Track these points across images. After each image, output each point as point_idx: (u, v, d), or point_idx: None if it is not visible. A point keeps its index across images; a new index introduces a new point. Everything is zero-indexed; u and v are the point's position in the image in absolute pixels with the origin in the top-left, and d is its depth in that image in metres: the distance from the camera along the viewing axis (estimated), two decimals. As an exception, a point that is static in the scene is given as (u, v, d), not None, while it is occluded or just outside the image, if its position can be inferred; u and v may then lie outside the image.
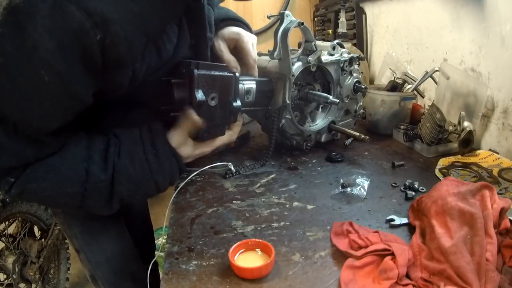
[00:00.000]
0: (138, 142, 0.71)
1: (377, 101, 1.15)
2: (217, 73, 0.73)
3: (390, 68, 1.37)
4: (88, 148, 0.67)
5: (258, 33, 2.61)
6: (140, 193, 0.73)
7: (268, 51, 0.93)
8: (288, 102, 0.92)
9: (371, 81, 1.66)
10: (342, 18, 1.58)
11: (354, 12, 1.70)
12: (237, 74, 0.79)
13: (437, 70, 1.13)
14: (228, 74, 0.76)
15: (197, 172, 0.87)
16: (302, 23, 0.90)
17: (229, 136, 0.83)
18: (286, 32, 0.88)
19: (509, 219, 0.60)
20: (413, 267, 0.55)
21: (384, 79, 1.50)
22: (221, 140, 0.82)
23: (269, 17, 1.02)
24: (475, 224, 0.55)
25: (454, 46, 1.16)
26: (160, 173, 0.72)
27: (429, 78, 1.16)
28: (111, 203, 0.70)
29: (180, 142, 0.75)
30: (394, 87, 1.20)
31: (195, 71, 0.69)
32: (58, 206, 0.89)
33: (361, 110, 1.11)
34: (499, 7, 0.95)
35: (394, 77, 1.26)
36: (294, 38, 1.09)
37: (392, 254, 0.56)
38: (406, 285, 0.52)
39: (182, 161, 0.76)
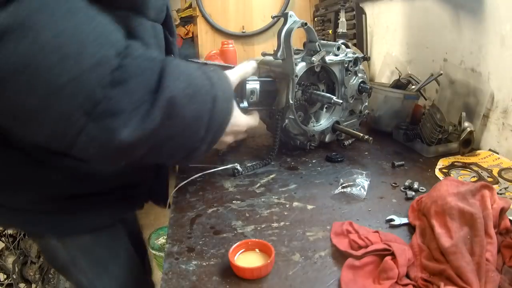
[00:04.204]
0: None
1: (381, 97, 1.15)
2: None
3: (396, 68, 1.36)
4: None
5: (258, 33, 2.61)
6: (194, 105, 0.55)
7: (274, 51, 0.93)
8: (291, 102, 0.92)
9: (371, 81, 1.66)
10: (342, 18, 1.57)
11: (354, 12, 1.70)
12: None
13: (441, 74, 1.12)
14: None
15: (202, 174, 0.87)
16: (306, 23, 0.90)
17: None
18: (289, 32, 0.89)
19: (509, 219, 0.60)
20: (413, 267, 0.55)
21: (384, 79, 1.50)
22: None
23: (273, 17, 1.03)
24: (475, 224, 0.55)
25: (454, 46, 1.15)
26: (220, 88, 0.60)
27: (429, 78, 1.15)
28: (156, 101, 0.51)
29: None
30: (398, 86, 1.20)
31: None
32: None
33: (366, 111, 1.10)
34: (499, 7, 0.95)
35: (399, 76, 1.26)
36: (300, 38, 1.08)
37: (392, 254, 0.56)
38: (406, 285, 0.52)
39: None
